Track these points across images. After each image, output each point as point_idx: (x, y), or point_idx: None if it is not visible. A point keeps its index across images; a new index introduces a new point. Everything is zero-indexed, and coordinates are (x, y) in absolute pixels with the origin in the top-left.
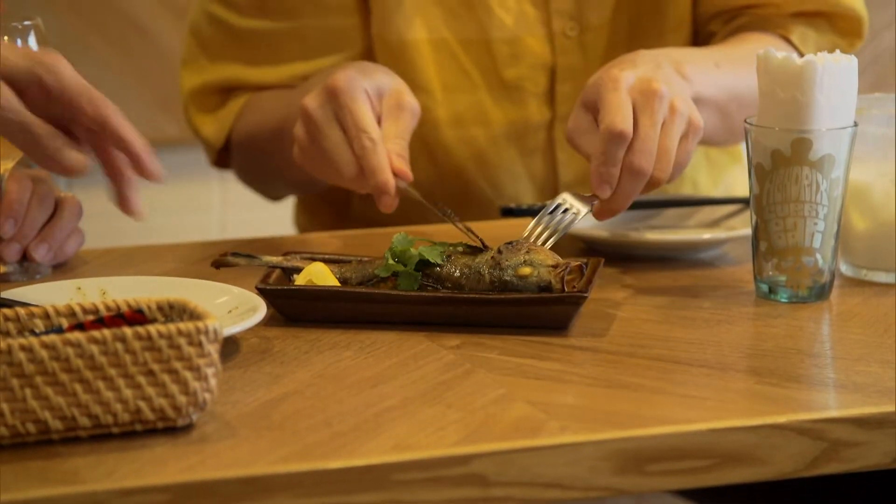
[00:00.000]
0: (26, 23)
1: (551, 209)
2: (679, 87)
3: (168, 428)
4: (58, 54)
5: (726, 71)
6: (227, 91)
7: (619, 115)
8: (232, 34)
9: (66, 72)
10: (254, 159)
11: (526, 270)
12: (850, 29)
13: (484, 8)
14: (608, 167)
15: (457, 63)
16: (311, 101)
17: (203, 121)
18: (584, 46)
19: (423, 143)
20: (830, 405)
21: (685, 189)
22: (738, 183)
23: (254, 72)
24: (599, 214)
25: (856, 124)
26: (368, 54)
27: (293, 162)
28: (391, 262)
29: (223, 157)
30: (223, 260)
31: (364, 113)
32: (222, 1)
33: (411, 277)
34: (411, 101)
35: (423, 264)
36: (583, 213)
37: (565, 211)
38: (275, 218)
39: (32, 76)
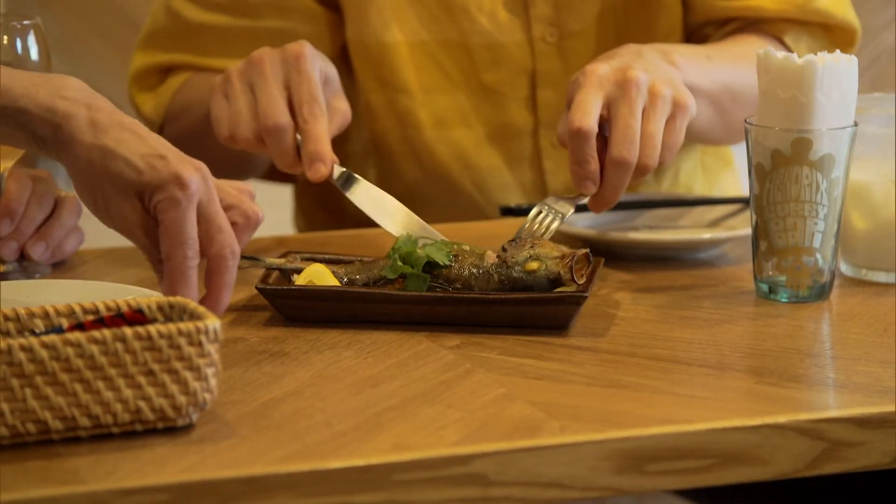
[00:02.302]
0: (25, 22)
1: (533, 216)
2: (663, 73)
3: (168, 428)
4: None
5: (719, 64)
6: (168, 70)
7: (579, 113)
8: (186, 26)
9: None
10: (183, 135)
11: (534, 265)
12: (844, 39)
13: (463, 12)
14: (581, 165)
15: (436, 64)
16: (267, 52)
17: (143, 99)
18: (564, 52)
19: (408, 144)
20: (830, 405)
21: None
22: (731, 188)
23: (202, 60)
24: (594, 207)
25: (856, 124)
26: (333, 60)
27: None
28: (399, 263)
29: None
30: None
31: (318, 85)
32: None
33: (419, 279)
34: (346, 107)
35: (431, 266)
36: (568, 215)
37: (546, 219)
38: (276, 218)
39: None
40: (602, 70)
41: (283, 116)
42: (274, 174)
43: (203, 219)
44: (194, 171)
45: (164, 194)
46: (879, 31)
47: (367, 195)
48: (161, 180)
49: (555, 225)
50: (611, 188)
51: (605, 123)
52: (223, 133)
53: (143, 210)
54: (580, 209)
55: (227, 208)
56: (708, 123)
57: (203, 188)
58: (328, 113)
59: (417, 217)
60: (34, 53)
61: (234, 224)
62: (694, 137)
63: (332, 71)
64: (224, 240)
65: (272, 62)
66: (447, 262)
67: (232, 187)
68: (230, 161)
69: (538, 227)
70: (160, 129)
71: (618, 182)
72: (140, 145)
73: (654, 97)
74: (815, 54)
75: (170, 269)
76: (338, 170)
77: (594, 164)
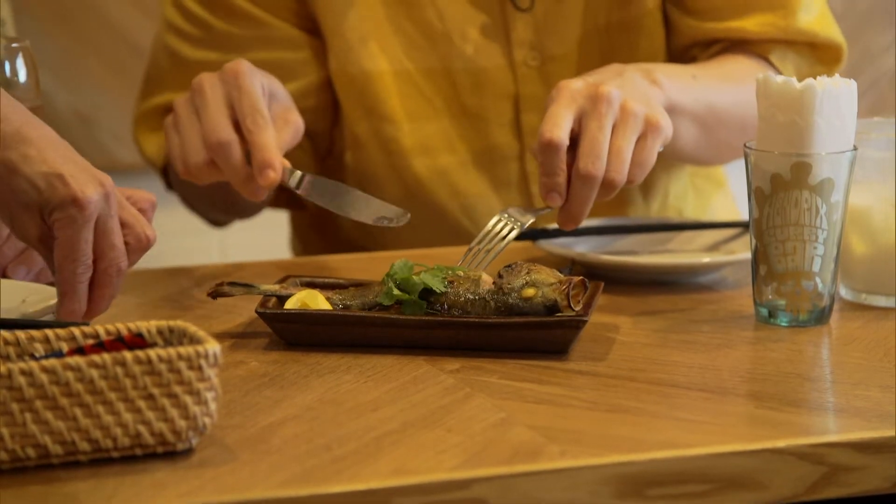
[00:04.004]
0: (14, 45)
1: (492, 225)
2: (641, 92)
3: (168, 452)
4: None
5: (704, 84)
6: (171, 110)
7: (549, 124)
8: (183, 65)
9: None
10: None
11: (530, 292)
12: (830, 57)
13: (444, 38)
14: (550, 177)
15: (420, 92)
16: (206, 76)
17: (146, 139)
18: (546, 76)
19: (394, 171)
20: (830, 429)
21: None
22: (723, 209)
23: None
24: (562, 223)
25: (855, 148)
26: (321, 87)
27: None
28: (395, 291)
29: (169, 178)
30: (220, 290)
31: (259, 97)
32: (176, 32)
33: (416, 305)
34: (298, 119)
35: (427, 293)
36: (526, 225)
37: (504, 227)
38: (276, 241)
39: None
40: (576, 85)
41: (225, 132)
42: (278, 202)
43: (98, 233)
44: (94, 189)
45: (62, 213)
46: (879, 55)
47: (323, 191)
48: (60, 200)
49: (512, 234)
50: (577, 202)
51: (575, 139)
52: (179, 168)
53: (44, 225)
54: (559, 234)
55: (122, 226)
56: (693, 143)
57: (103, 205)
58: (279, 125)
59: (377, 199)
60: (23, 76)
61: (125, 244)
62: (681, 157)
63: (277, 86)
64: (113, 257)
65: (212, 84)
66: (443, 289)
67: (135, 201)
68: (219, 197)
69: (493, 236)
70: (164, 169)
71: (584, 196)
72: (42, 163)
73: (626, 114)
74: (815, 78)
75: (60, 280)
76: (289, 171)
77: (562, 177)
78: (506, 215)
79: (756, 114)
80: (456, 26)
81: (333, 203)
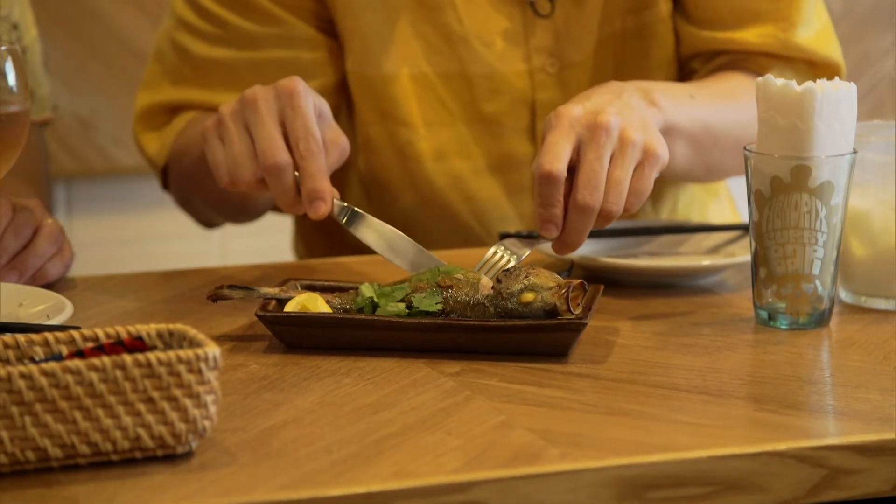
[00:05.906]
0: (3, 48)
1: (489, 256)
2: (639, 116)
3: (167, 455)
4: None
5: (702, 104)
6: (175, 110)
7: (548, 156)
8: (194, 62)
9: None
10: (184, 175)
11: (529, 297)
12: (828, 76)
13: (463, 43)
14: (547, 208)
15: (436, 96)
16: (260, 90)
17: (148, 139)
18: (564, 83)
19: (407, 175)
20: (830, 432)
21: None
22: (719, 217)
23: (209, 95)
24: (558, 251)
25: (855, 151)
26: (336, 89)
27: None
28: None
29: (167, 178)
30: (220, 293)
31: (313, 120)
32: (188, 29)
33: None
34: (344, 140)
35: (424, 314)
36: (523, 256)
37: (502, 258)
38: (276, 245)
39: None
40: (575, 112)
41: (282, 155)
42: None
43: None
44: None
45: None
46: (879, 58)
47: (371, 230)
48: None
49: (510, 265)
50: (573, 232)
51: (573, 166)
52: (223, 178)
53: None
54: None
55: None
56: (687, 163)
57: None
58: (328, 147)
59: (425, 250)
60: (11, 79)
61: None
62: (674, 176)
63: (325, 105)
64: None
65: (266, 99)
66: (437, 308)
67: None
68: (231, 201)
69: (490, 267)
70: (165, 170)
71: (580, 227)
72: None
73: (624, 143)
74: (815, 81)
75: None
76: (338, 205)
77: (559, 209)
78: (502, 247)
79: (751, 134)
80: (476, 31)
81: (379, 246)
